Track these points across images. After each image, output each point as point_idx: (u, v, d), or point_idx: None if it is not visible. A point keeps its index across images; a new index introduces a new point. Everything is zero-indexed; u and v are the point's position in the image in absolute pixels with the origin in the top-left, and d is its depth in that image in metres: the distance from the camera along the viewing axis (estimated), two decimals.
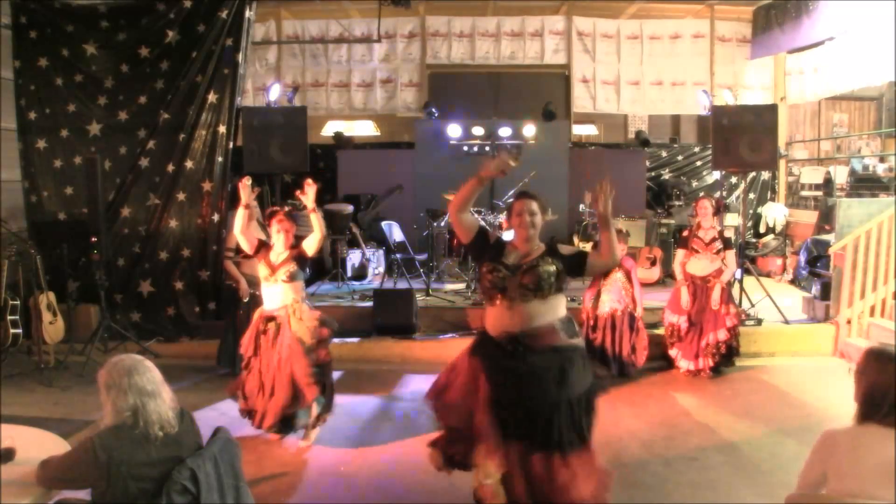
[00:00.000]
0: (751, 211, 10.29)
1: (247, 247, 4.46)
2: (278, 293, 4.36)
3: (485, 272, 3.20)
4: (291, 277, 4.36)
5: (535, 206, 3.24)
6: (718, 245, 5.80)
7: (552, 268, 3.13)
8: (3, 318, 5.84)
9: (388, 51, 10.69)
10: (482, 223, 3.53)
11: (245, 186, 4.41)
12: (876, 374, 2.26)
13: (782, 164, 10.35)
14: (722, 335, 5.73)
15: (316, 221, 4.38)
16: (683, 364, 5.87)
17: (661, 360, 6.09)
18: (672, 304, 5.96)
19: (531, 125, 9.10)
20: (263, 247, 4.46)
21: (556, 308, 3.19)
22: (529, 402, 3.07)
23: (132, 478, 2.32)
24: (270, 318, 4.38)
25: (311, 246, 4.38)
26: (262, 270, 4.41)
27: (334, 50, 10.71)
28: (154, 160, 6.76)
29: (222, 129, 6.70)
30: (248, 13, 6.78)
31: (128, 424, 2.36)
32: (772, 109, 7.12)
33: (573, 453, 3.04)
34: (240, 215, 4.41)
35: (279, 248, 4.40)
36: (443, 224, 8.11)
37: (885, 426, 2.19)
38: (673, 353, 5.96)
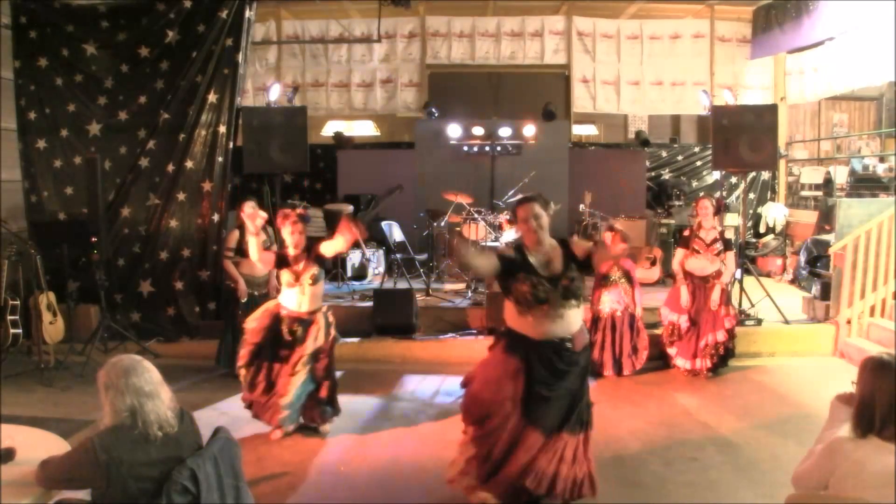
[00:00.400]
0: (751, 211, 10.29)
1: (262, 266, 4.70)
2: (305, 298, 4.48)
3: (527, 287, 3.32)
4: (315, 280, 4.48)
5: (537, 208, 3.40)
6: (719, 246, 5.79)
7: (577, 275, 3.40)
8: (3, 318, 5.84)
9: (388, 51, 10.69)
10: (495, 252, 3.64)
11: (251, 217, 4.62)
12: (868, 385, 2.21)
13: (782, 164, 10.35)
14: (721, 336, 5.74)
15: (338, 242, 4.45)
16: (680, 363, 5.87)
17: (660, 360, 6.09)
18: (671, 303, 5.95)
19: (531, 125, 9.10)
20: (282, 260, 4.53)
21: (581, 311, 3.50)
22: (570, 395, 3.41)
23: (132, 478, 2.32)
24: (297, 320, 4.48)
25: (328, 249, 4.44)
26: (285, 277, 4.48)
27: (334, 50, 10.71)
28: (154, 160, 6.75)
29: (222, 129, 6.70)
30: (248, 13, 6.78)
31: (126, 425, 2.36)
32: (772, 109, 7.11)
33: (588, 433, 3.47)
34: (252, 244, 4.63)
35: (296, 252, 4.47)
36: (443, 224, 8.12)
37: (884, 440, 2.15)
38: (671, 351, 5.96)
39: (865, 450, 2.17)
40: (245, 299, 5.62)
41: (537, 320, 3.34)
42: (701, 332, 5.74)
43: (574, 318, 3.40)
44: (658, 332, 6.34)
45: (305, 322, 4.50)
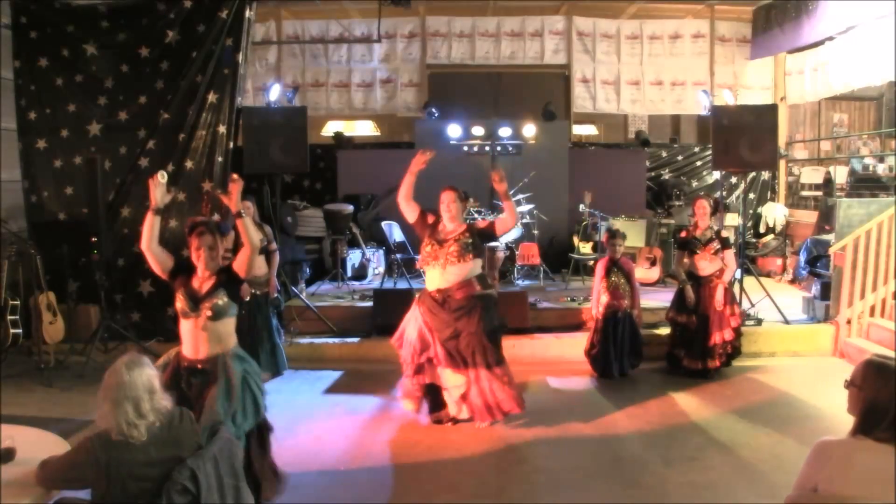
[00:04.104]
0: (751, 211, 10.29)
1: (158, 267, 3.40)
2: (203, 336, 3.30)
3: (424, 245, 4.61)
4: (217, 314, 3.29)
5: (455, 196, 4.64)
6: (716, 245, 5.80)
7: (470, 241, 4.55)
8: (3, 318, 5.84)
9: (388, 51, 10.69)
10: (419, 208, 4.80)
11: (157, 184, 3.37)
12: (877, 390, 2.17)
13: (782, 164, 10.34)
14: (728, 335, 5.74)
15: (245, 230, 3.37)
16: (689, 364, 5.84)
17: (661, 361, 6.09)
18: (677, 305, 5.93)
19: (531, 125, 9.10)
20: (182, 271, 3.41)
21: (474, 268, 4.59)
22: (461, 333, 4.51)
23: (132, 478, 2.33)
24: (195, 370, 3.32)
25: (240, 265, 3.37)
26: (178, 304, 3.33)
27: (334, 50, 10.71)
28: (154, 160, 6.74)
29: (222, 129, 6.70)
30: (248, 13, 6.78)
31: (119, 431, 2.36)
32: (772, 109, 7.11)
33: (495, 368, 4.55)
34: (148, 224, 3.37)
35: (202, 273, 3.37)
36: None
37: (880, 441, 2.12)
38: (678, 353, 5.93)
39: (851, 448, 2.16)
40: (248, 298, 5.61)
41: (435, 276, 4.56)
42: (708, 333, 5.73)
43: (464, 272, 4.52)
44: (658, 332, 6.34)
45: (204, 374, 3.29)
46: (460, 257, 4.51)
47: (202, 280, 3.36)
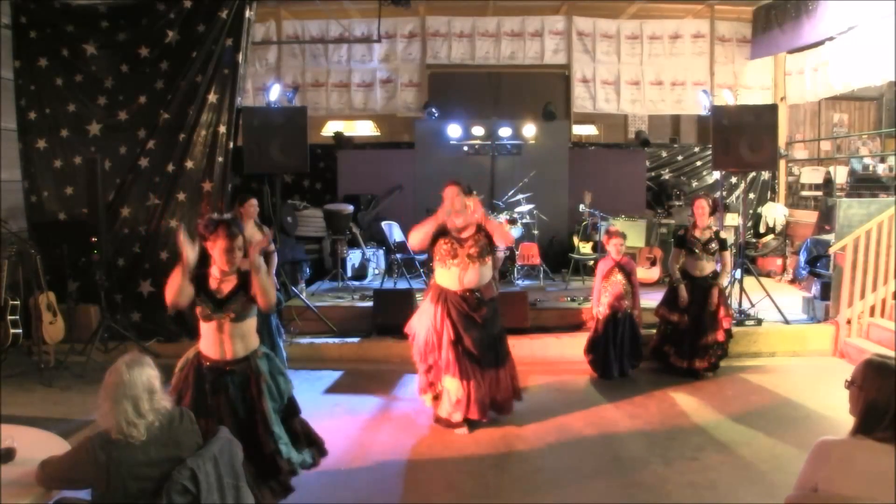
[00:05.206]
0: (751, 211, 10.29)
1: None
2: (227, 337, 3.27)
3: (441, 243, 4.54)
4: (241, 316, 3.28)
5: (458, 190, 4.50)
6: (715, 246, 5.80)
7: (485, 240, 4.53)
8: (3, 318, 5.83)
9: (388, 51, 10.69)
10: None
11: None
12: (877, 389, 2.18)
13: (782, 164, 10.34)
14: (719, 336, 5.74)
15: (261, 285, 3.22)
16: (676, 362, 5.86)
17: (659, 360, 6.09)
18: (669, 303, 5.94)
19: (531, 125, 9.10)
20: (199, 282, 3.32)
21: (490, 268, 4.62)
22: (485, 335, 4.55)
23: (132, 478, 2.33)
24: (222, 370, 3.29)
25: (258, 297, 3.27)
26: (198, 307, 3.29)
27: (334, 50, 10.71)
28: (154, 160, 6.75)
29: (222, 129, 6.70)
30: (248, 13, 6.78)
31: (118, 430, 2.36)
32: (772, 109, 7.11)
33: (505, 365, 4.70)
34: (175, 282, 3.23)
35: (224, 273, 3.31)
36: None
37: (880, 441, 2.13)
38: (667, 350, 5.94)
39: (851, 448, 2.16)
40: None
41: (453, 275, 4.49)
42: (699, 333, 5.74)
43: (482, 274, 4.52)
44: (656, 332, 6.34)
45: (233, 374, 3.29)
46: (480, 258, 4.53)
47: (221, 281, 3.29)
